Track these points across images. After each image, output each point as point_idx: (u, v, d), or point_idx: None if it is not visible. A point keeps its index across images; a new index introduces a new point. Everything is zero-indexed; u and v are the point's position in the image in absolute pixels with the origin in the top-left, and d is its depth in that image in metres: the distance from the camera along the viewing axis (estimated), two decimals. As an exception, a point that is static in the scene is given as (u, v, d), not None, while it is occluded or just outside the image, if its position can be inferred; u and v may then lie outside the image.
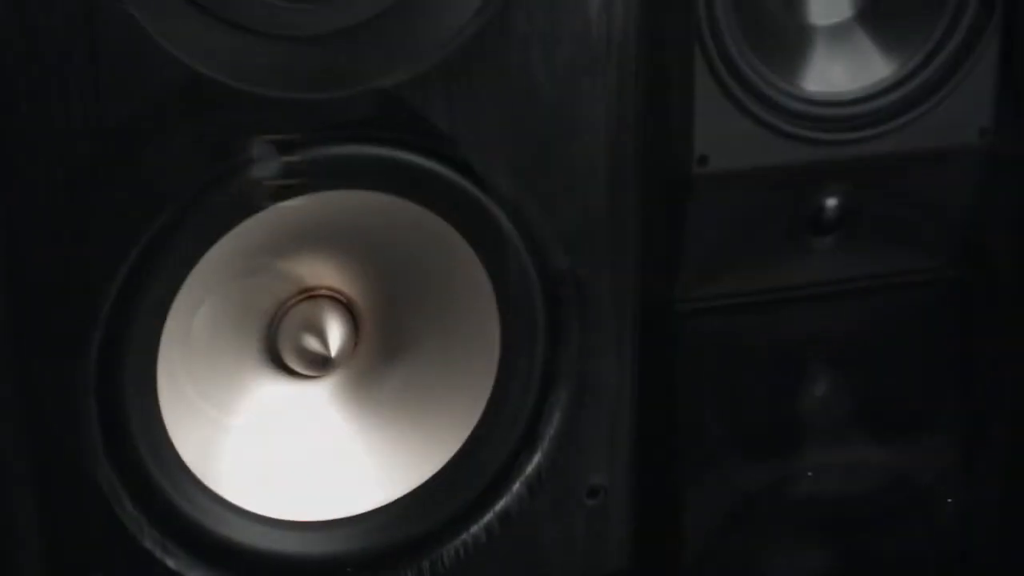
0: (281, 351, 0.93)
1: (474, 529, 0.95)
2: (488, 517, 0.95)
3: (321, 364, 0.92)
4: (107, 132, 0.83)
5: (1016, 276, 1.36)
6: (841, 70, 1.25)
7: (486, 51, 0.86)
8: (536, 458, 0.96)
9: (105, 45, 0.81)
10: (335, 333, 0.92)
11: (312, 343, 0.92)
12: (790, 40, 1.24)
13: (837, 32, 1.25)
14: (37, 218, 0.83)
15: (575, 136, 0.90)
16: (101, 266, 0.85)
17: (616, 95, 0.90)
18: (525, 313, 0.93)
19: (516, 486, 0.96)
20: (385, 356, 0.95)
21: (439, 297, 0.93)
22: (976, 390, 1.31)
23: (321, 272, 0.92)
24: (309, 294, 0.93)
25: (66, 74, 0.81)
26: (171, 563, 0.89)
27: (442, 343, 0.94)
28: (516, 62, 0.87)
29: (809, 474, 1.19)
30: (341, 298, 0.93)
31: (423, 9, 0.87)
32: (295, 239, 0.90)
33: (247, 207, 0.87)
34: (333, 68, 0.86)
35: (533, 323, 0.93)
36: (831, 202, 1.29)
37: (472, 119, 0.87)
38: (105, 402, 0.87)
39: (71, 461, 0.86)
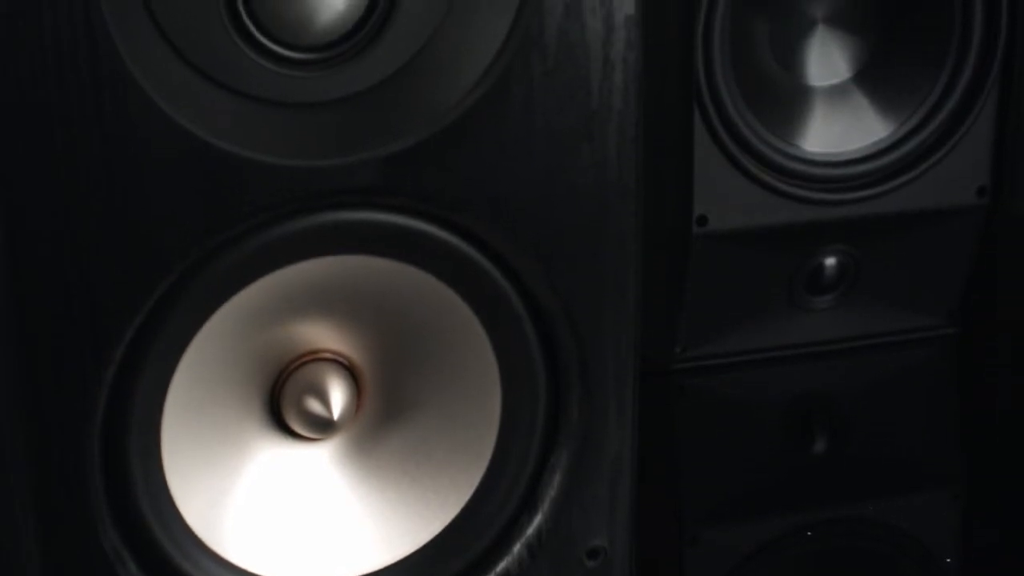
0: (284, 414, 0.94)
1: (475, 591, 0.96)
2: (489, 579, 0.96)
3: (324, 427, 0.93)
4: (112, 199, 0.84)
5: (1015, 333, 1.37)
6: (839, 131, 1.27)
7: (487, 119, 0.87)
8: (537, 520, 0.96)
9: (111, 113, 0.82)
10: (338, 396, 0.93)
11: (315, 406, 0.92)
12: (789, 101, 1.25)
13: (835, 93, 1.27)
14: (43, 284, 0.84)
15: (576, 202, 0.91)
16: (106, 331, 0.85)
17: (616, 161, 0.90)
18: (526, 376, 0.94)
19: (517, 547, 0.96)
20: (387, 418, 0.96)
21: (441, 360, 0.94)
22: (976, 447, 1.32)
23: (323, 335, 0.93)
24: (312, 357, 0.94)
25: (72, 141, 0.82)
26: (176, 625, 0.90)
27: (444, 405, 0.95)
28: (517, 130, 0.88)
29: (808, 533, 1.19)
30: (343, 361, 0.94)
31: (425, 78, 0.88)
32: (298, 303, 0.91)
33: (251, 273, 0.87)
34: (336, 135, 0.87)
35: (534, 386, 0.94)
36: (830, 261, 1.30)
37: (473, 186, 0.88)
38: (109, 465, 0.88)
39: (75, 524, 0.87)
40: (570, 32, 0.88)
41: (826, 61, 1.27)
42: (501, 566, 0.96)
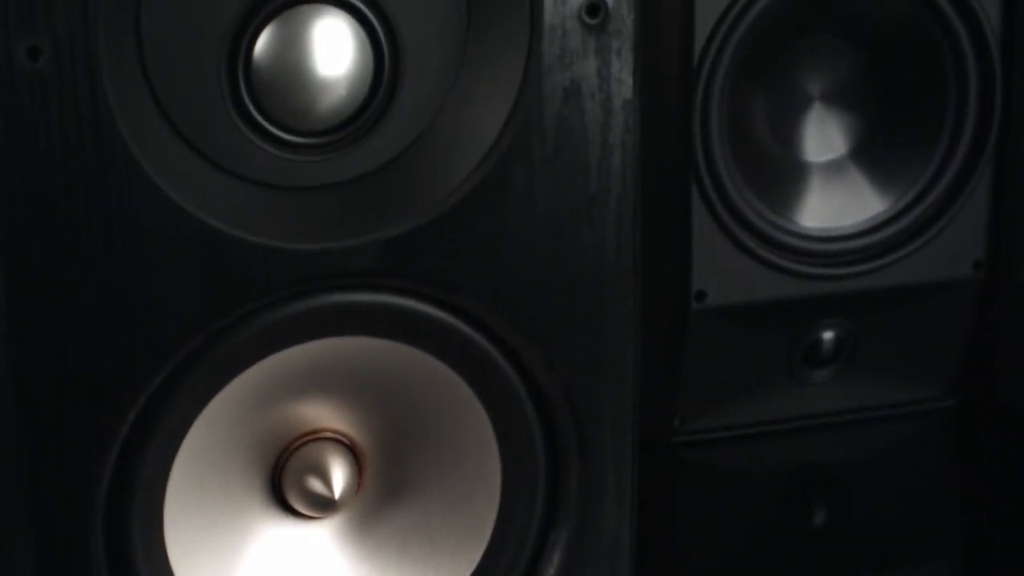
0: (286, 492, 0.94)
1: (475, 670, 0.96)
2: (489, 658, 0.96)
3: (325, 506, 0.94)
4: (116, 281, 0.85)
5: (1013, 404, 1.38)
6: (836, 206, 1.28)
7: (487, 203, 0.88)
8: (537, 598, 0.97)
9: (116, 197, 0.83)
10: (339, 475, 0.93)
11: (316, 485, 0.93)
12: (786, 177, 1.26)
13: (832, 169, 1.28)
14: (46, 365, 0.85)
15: (575, 284, 0.92)
16: (110, 413, 0.86)
17: (615, 244, 0.91)
18: (526, 456, 0.94)
19: (518, 625, 0.97)
20: (388, 497, 0.96)
21: (441, 439, 0.95)
22: (976, 520, 1.32)
23: (325, 415, 0.94)
24: (313, 436, 0.94)
25: (77, 224, 0.83)
26: None
27: (444, 484, 0.96)
28: (517, 213, 0.89)
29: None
30: (345, 440, 0.95)
31: (425, 162, 0.89)
32: (300, 383, 0.92)
33: (254, 355, 0.88)
34: (338, 219, 0.88)
35: (534, 466, 0.95)
36: (828, 335, 1.31)
37: (473, 268, 0.89)
38: (112, 543, 0.88)
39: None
40: (569, 117, 0.89)
41: (823, 138, 1.28)
42: (501, 645, 0.97)
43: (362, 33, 0.87)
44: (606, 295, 0.93)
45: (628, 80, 0.90)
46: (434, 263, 0.89)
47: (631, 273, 0.94)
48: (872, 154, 1.28)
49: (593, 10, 0.88)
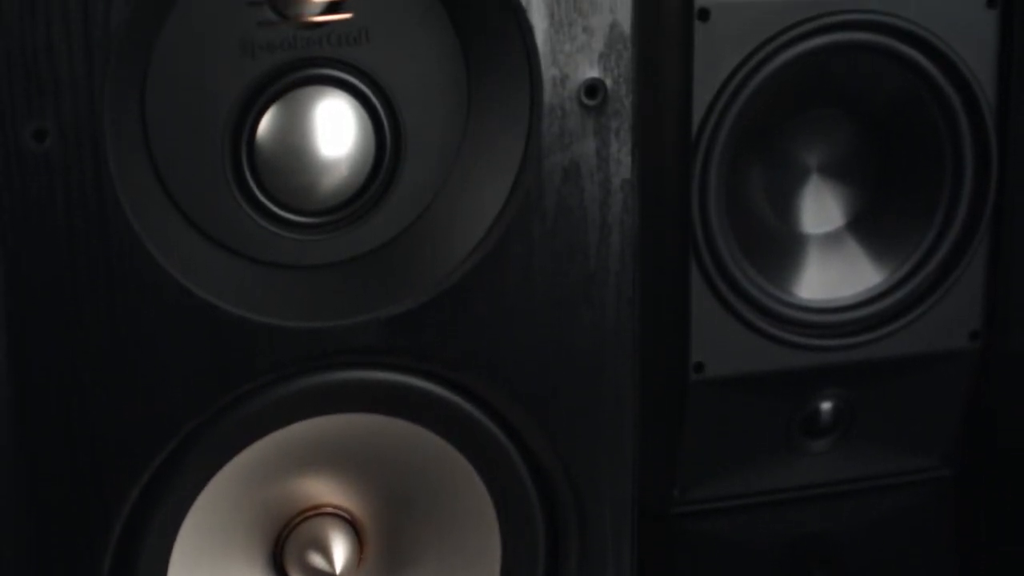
0: (287, 568, 0.95)
1: None
2: None
3: (326, 581, 0.94)
4: (121, 359, 0.85)
5: (1011, 472, 1.38)
6: (834, 277, 1.29)
7: (487, 282, 0.89)
8: (538, 674, 0.97)
9: (121, 277, 0.84)
10: (340, 551, 0.94)
11: (318, 561, 0.94)
12: (783, 248, 1.27)
13: (829, 240, 1.29)
14: (50, 441, 0.86)
15: (574, 361, 0.92)
16: (114, 489, 0.87)
17: (614, 322, 0.92)
18: (525, 531, 0.95)
19: None
20: (388, 572, 0.97)
21: (442, 515, 0.95)
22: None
23: (326, 490, 0.95)
24: (314, 512, 0.95)
25: (82, 304, 0.84)
26: None
27: (444, 560, 0.96)
28: (516, 292, 0.90)
29: None
30: (346, 515, 0.95)
31: (426, 241, 0.90)
32: (301, 459, 0.93)
33: (256, 431, 0.89)
34: (339, 297, 0.89)
35: (533, 541, 0.95)
36: (826, 406, 1.31)
37: (473, 346, 0.90)
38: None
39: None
40: (568, 196, 0.90)
41: (820, 209, 1.29)
42: None
43: (364, 114, 0.88)
44: (605, 372, 0.94)
45: (626, 160, 0.91)
46: (435, 340, 0.90)
47: (630, 350, 0.94)
48: (869, 226, 1.29)
49: (592, 91, 0.90)
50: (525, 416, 0.92)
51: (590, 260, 0.91)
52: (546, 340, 0.92)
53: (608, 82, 0.89)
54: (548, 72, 0.88)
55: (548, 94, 0.88)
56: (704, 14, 1.18)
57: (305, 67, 0.87)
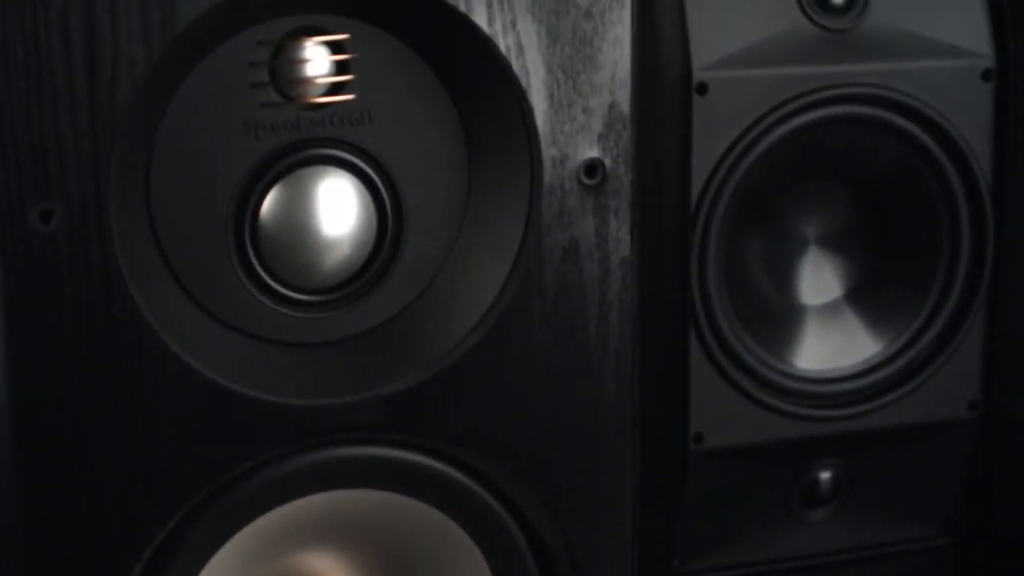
0: (289, 642, 0.95)
1: None
2: None
3: (327, 657, 0.95)
4: (124, 437, 0.86)
5: (1010, 540, 1.38)
6: (832, 348, 1.29)
7: (487, 359, 0.90)
8: None
9: (125, 355, 0.85)
10: (341, 625, 0.94)
11: (319, 635, 0.94)
12: (782, 319, 1.28)
13: (827, 311, 1.29)
14: (54, 518, 0.86)
15: (573, 437, 0.93)
16: (117, 564, 0.88)
17: (613, 398, 0.93)
18: (526, 603, 0.96)
19: None
20: (389, 646, 0.97)
21: (443, 588, 0.96)
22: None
23: (328, 566, 0.95)
24: (316, 586, 0.95)
25: (87, 381, 0.85)
26: None
27: (445, 633, 0.97)
28: (516, 369, 0.91)
29: None
30: (346, 589, 0.96)
31: (427, 319, 0.91)
32: (303, 534, 0.93)
33: (258, 508, 0.90)
34: (341, 375, 0.90)
35: (534, 612, 0.96)
36: (824, 475, 1.32)
37: (474, 423, 0.91)
38: None
39: None
40: (568, 275, 0.91)
41: (818, 280, 1.30)
42: None
43: (366, 193, 0.89)
44: (605, 447, 0.95)
45: (625, 238, 0.92)
46: (435, 417, 0.91)
47: (629, 426, 0.95)
48: (867, 297, 1.30)
49: (591, 171, 0.91)
50: (525, 492, 0.93)
51: (589, 338, 0.92)
52: (546, 417, 0.93)
53: (607, 162, 0.90)
54: (548, 152, 0.89)
55: (548, 174, 0.89)
56: (702, 88, 1.19)
57: (308, 147, 0.88)
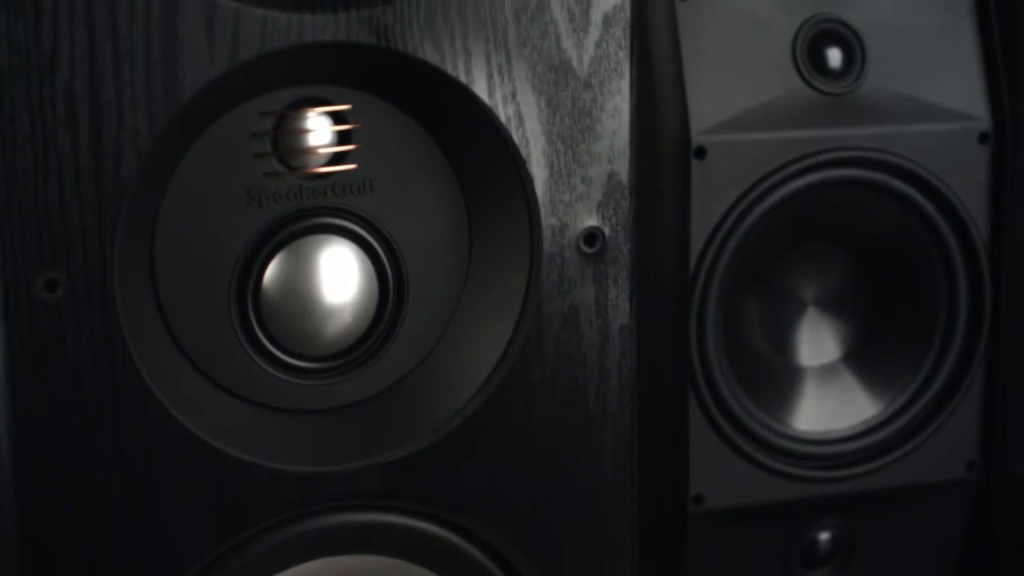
0: None
1: None
2: None
3: None
4: (127, 503, 0.87)
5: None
6: (830, 409, 1.30)
7: (487, 427, 0.91)
8: None
9: (128, 422, 0.86)
10: None
11: None
12: (780, 381, 1.29)
13: (825, 373, 1.30)
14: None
15: (573, 502, 0.94)
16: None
17: (612, 463, 0.94)
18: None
19: None
20: None
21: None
22: None
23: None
24: (317, 651, 0.96)
25: (90, 449, 0.85)
26: None
27: None
28: (516, 436, 0.92)
29: None
30: (347, 656, 0.96)
31: (427, 387, 0.91)
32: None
33: (260, 573, 0.90)
34: (341, 442, 0.90)
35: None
36: (823, 536, 1.32)
37: (474, 489, 0.91)
38: None
39: None
40: (568, 342, 0.92)
41: (816, 342, 1.31)
42: None
43: (367, 261, 0.90)
44: (604, 512, 0.95)
45: (624, 306, 0.92)
46: (436, 484, 0.91)
47: (628, 490, 0.96)
48: (865, 358, 1.30)
49: (591, 239, 0.91)
50: (525, 557, 0.93)
51: (589, 404, 0.93)
52: (546, 482, 0.93)
53: (606, 230, 0.91)
54: (548, 221, 0.90)
55: (548, 242, 0.90)
56: (701, 152, 1.20)
57: (310, 216, 0.89)
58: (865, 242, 1.28)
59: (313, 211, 0.89)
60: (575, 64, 0.89)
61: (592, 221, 0.91)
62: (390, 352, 0.91)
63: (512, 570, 0.94)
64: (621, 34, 0.90)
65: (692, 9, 1.20)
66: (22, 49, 0.80)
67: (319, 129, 0.88)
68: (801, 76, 1.22)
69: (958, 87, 1.27)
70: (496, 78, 0.87)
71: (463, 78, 0.87)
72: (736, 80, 1.21)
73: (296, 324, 0.89)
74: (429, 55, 0.86)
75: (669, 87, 1.20)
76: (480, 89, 0.88)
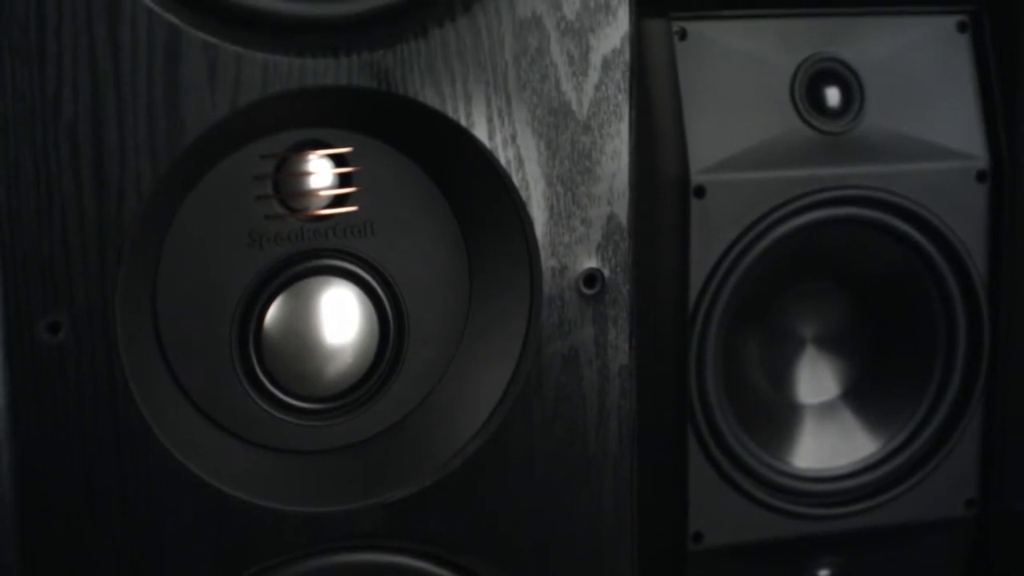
0: None
1: None
2: None
3: None
4: (129, 543, 0.87)
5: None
6: (829, 447, 1.30)
7: (488, 467, 0.91)
8: None
9: (130, 461, 0.86)
10: None
11: None
12: (779, 419, 1.29)
13: (824, 411, 1.30)
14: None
15: (574, 541, 0.94)
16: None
17: (612, 503, 0.94)
18: None
19: None
20: None
21: None
22: None
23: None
24: None
25: (93, 489, 0.86)
26: None
27: None
28: (517, 476, 0.92)
29: None
30: None
31: (427, 427, 0.92)
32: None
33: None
34: (342, 482, 0.91)
35: None
36: (823, 573, 1.32)
37: (475, 529, 0.92)
38: None
39: None
40: (567, 384, 0.92)
41: (815, 380, 1.31)
42: None
43: (368, 303, 0.91)
44: (604, 551, 0.95)
45: (624, 347, 0.93)
46: (437, 524, 0.92)
47: (628, 529, 0.96)
48: (864, 396, 1.31)
49: (591, 281, 0.92)
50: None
51: (589, 444, 0.93)
52: (546, 522, 0.94)
53: (606, 272, 0.92)
54: (547, 263, 0.91)
55: (548, 284, 0.91)
56: (700, 191, 1.21)
57: (311, 258, 0.89)
58: (863, 280, 1.29)
59: (314, 253, 0.89)
60: (575, 107, 0.90)
61: (592, 263, 0.91)
62: (391, 392, 0.92)
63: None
64: (620, 77, 0.90)
65: (691, 48, 1.21)
66: (26, 93, 0.81)
67: (320, 172, 0.89)
68: (800, 115, 1.23)
69: (955, 126, 1.27)
70: (496, 121, 0.88)
71: (463, 121, 0.88)
72: (735, 119, 1.21)
73: (297, 365, 0.90)
74: (429, 99, 0.87)
75: (668, 126, 1.21)
76: (480, 132, 0.88)
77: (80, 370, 0.84)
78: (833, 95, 1.24)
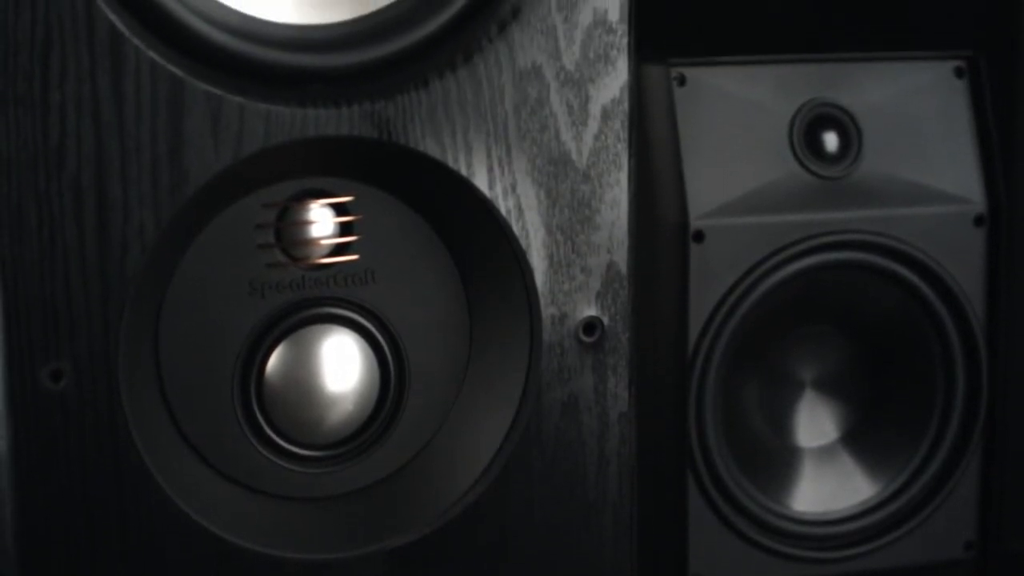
0: None
1: None
2: None
3: None
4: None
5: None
6: (828, 490, 1.30)
7: (488, 514, 0.91)
8: None
9: (132, 510, 0.86)
10: None
11: None
12: (779, 462, 1.29)
13: (823, 454, 1.31)
14: None
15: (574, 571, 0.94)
16: None
17: (612, 548, 0.94)
18: None
19: None
20: None
21: None
22: None
23: None
24: None
25: (95, 536, 0.86)
26: None
27: None
28: (517, 523, 0.92)
29: None
30: None
31: (428, 474, 0.92)
32: None
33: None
34: (343, 530, 0.91)
35: None
36: (823, 617, 1.32)
37: (477, 573, 0.92)
38: None
39: None
40: (567, 430, 0.93)
41: (814, 424, 1.31)
42: None
43: (369, 351, 0.91)
44: (604, 579, 0.96)
45: (623, 394, 0.93)
46: (438, 571, 0.92)
47: (628, 573, 0.96)
48: (863, 439, 1.31)
49: (590, 329, 0.92)
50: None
51: (588, 491, 0.93)
52: (546, 568, 0.94)
53: (605, 320, 0.92)
54: (547, 311, 0.91)
55: (547, 332, 0.91)
56: (699, 236, 1.21)
57: (312, 306, 0.90)
58: (862, 324, 1.29)
59: (315, 301, 0.90)
60: (574, 156, 0.90)
61: (591, 311, 0.92)
62: (392, 440, 0.92)
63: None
64: (620, 126, 0.91)
65: (690, 94, 1.21)
66: (29, 142, 0.81)
67: (321, 220, 0.89)
68: (798, 160, 1.23)
69: (953, 170, 1.28)
70: (496, 171, 0.89)
71: (464, 171, 0.88)
72: (734, 164, 1.22)
73: (298, 412, 0.90)
74: (430, 148, 0.87)
75: (667, 171, 1.21)
76: (480, 182, 0.89)
77: (82, 417, 0.85)
78: (831, 140, 1.24)
